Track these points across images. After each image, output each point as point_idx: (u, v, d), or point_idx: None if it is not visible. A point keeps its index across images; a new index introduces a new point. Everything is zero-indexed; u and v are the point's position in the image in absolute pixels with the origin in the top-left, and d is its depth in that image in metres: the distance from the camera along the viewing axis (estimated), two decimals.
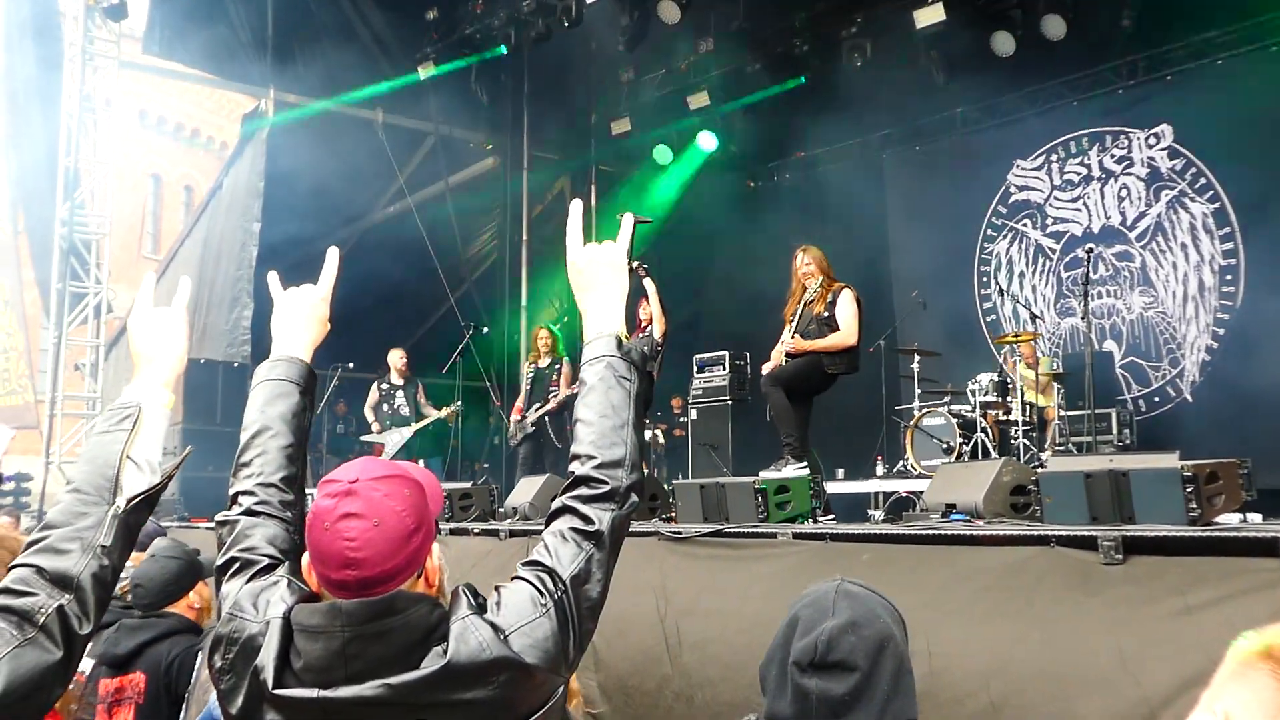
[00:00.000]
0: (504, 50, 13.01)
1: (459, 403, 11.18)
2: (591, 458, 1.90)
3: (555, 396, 10.12)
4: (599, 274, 2.09)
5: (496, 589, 1.78)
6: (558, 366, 10.31)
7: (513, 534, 6.89)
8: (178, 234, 21.69)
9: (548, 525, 1.88)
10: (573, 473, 1.91)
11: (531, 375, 10.35)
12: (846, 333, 7.35)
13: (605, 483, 1.87)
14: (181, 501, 10.44)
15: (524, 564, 1.83)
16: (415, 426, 11.21)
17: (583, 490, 1.88)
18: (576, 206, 2.15)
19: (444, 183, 14.45)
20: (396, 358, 11.37)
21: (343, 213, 13.54)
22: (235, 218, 12.91)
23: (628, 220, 2.18)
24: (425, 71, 13.33)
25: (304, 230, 12.75)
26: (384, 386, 11.39)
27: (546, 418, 10.11)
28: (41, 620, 1.66)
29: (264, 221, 12.56)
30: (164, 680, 3.46)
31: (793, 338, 7.45)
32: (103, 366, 12.40)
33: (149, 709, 3.44)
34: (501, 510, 8.03)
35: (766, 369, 7.66)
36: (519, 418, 10.25)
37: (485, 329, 12.42)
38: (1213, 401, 10.99)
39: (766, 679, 1.95)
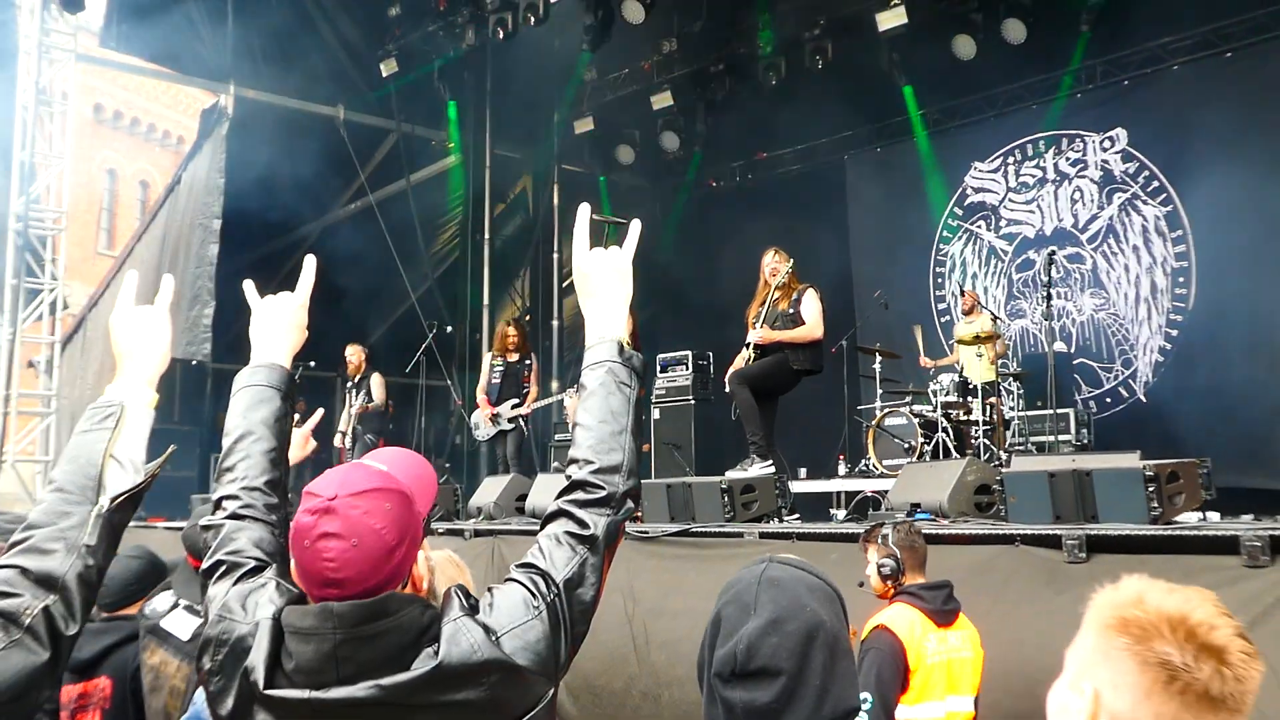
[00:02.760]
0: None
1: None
2: (589, 462, 1.90)
3: (528, 394, 10.16)
4: (604, 280, 2.09)
5: (489, 590, 1.79)
6: (528, 362, 10.34)
7: (478, 534, 6.85)
8: (133, 230, 21.39)
9: (543, 528, 1.88)
10: (569, 476, 1.91)
11: (501, 369, 10.24)
12: (813, 325, 7.46)
13: (602, 488, 1.87)
14: None
15: (518, 566, 1.83)
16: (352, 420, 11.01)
17: (579, 494, 1.88)
18: (584, 211, 2.14)
19: (406, 180, 14.33)
20: (351, 353, 11.07)
21: (303, 210, 13.42)
22: (194, 214, 12.74)
23: (635, 227, 2.17)
24: (387, 69, 13.23)
25: (264, 227, 12.64)
26: (348, 385, 11.22)
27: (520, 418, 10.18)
28: (27, 621, 1.66)
29: (223, 218, 12.40)
30: (130, 685, 3.41)
31: (760, 327, 7.51)
32: (58, 364, 12.19)
33: (115, 714, 3.39)
34: (466, 510, 7.99)
35: (731, 371, 7.70)
36: (491, 412, 10.13)
37: (449, 328, 12.34)
38: (1167, 401, 11.14)
39: (701, 680, 1.87)
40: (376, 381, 10.93)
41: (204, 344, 12.08)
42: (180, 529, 8.34)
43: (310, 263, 2.25)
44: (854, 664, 1.84)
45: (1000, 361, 9.84)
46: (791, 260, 7.75)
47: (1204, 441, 10.08)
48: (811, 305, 7.54)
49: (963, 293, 10.80)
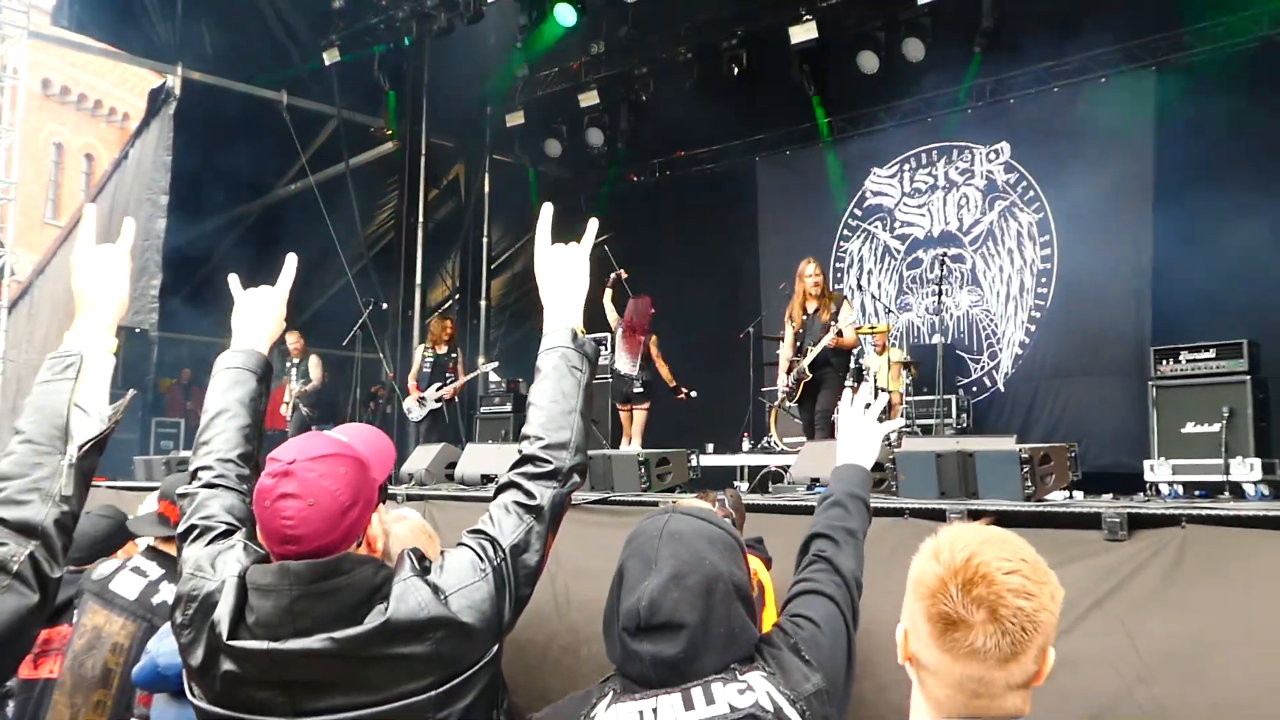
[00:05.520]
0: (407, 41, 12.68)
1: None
2: (539, 438, 1.94)
3: (453, 383, 10.47)
4: (563, 272, 2.13)
5: (442, 553, 1.81)
6: (454, 355, 10.66)
7: (410, 498, 6.76)
8: (79, 202, 20.65)
9: (494, 498, 1.90)
10: (520, 451, 1.94)
11: (431, 360, 10.59)
12: (852, 336, 7.80)
13: (549, 462, 1.91)
14: None
15: (469, 532, 1.86)
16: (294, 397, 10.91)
17: (528, 468, 1.91)
18: (547, 209, 2.19)
19: (345, 164, 14.05)
20: (292, 340, 11.17)
21: (246, 188, 13.09)
22: (141, 189, 12.34)
23: (592, 225, 2.23)
24: (330, 57, 12.94)
25: (208, 203, 12.31)
26: (288, 366, 11.17)
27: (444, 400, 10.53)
28: (15, 568, 1.69)
29: (169, 194, 12.03)
30: None
31: (804, 350, 7.73)
32: (4, 328, 11.76)
33: None
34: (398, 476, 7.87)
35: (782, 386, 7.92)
36: (419, 396, 10.46)
37: (384, 304, 12.19)
38: (1022, 391, 11.51)
39: (609, 631, 1.81)
40: (314, 363, 11.14)
41: (151, 314, 11.76)
42: (123, 488, 8.17)
43: (291, 260, 2.30)
44: (754, 606, 1.81)
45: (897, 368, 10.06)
46: (821, 267, 7.96)
47: (1054, 427, 10.50)
48: (849, 316, 7.78)
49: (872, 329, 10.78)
